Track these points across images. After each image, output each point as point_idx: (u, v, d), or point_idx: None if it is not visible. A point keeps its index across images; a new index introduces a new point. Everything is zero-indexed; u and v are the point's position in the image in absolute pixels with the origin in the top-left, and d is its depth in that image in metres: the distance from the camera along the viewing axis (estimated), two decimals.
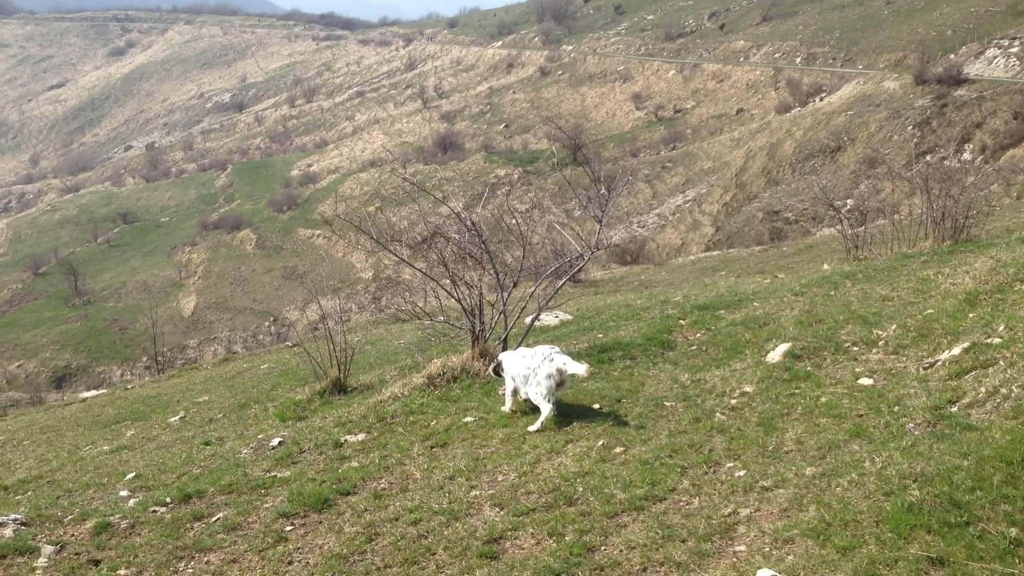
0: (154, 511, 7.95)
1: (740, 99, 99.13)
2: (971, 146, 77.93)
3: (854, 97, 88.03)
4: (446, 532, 6.10)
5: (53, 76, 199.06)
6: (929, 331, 8.67)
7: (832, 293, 11.96)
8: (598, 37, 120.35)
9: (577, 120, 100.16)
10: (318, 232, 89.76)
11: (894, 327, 9.06)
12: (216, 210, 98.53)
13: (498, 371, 9.60)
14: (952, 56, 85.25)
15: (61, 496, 9.72)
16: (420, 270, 11.68)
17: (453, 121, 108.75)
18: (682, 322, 12.01)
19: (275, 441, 9.73)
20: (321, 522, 6.92)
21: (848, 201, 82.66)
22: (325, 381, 13.17)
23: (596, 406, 8.71)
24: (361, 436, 9.19)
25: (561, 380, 8.53)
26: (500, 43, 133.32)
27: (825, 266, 17.16)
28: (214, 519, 7.46)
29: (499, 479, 7.06)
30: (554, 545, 5.66)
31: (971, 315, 8.79)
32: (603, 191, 11.86)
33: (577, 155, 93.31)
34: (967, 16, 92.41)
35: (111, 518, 7.86)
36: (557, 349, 8.75)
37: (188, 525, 7.42)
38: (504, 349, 11.12)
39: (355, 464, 8.27)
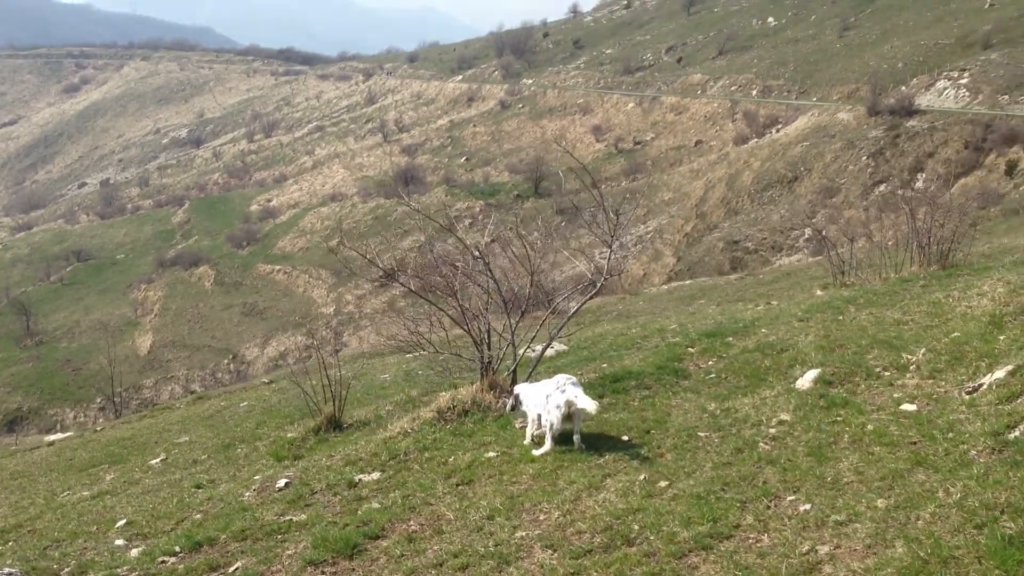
0: (163, 562, 7.45)
1: (699, 131, 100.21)
2: (924, 175, 79.35)
3: (809, 128, 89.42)
4: None
5: (5, 113, 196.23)
6: (962, 355, 8.47)
7: (840, 318, 11.76)
8: (558, 71, 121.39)
9: (538, 152, 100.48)
10: (278, 267, 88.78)
11: (923, 351, 8.86)
12: (173, 247, 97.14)
13: (516, 406, 9.25)
14: (903, 88, 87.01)
15: (49, 547, 9.14)
16: (430, 300, 11.29)
17: (414, 154, 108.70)
18: (691, 350, 11.73)
19: (281, 482, 9.25)
20: (354, 570, 6.48)
21: (806, 230, 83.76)
22: (319, 418, 12.70)
23: (625, 437, 8.37)
24: (376, 475, 8.76)
25: (569, 413, 8.24)
26: (460, 77, 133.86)
27: (819, 292, 17.04)
28: (232, 569, 6.99)
29: (541, 518, 6.68)
30: None
31: (1001, 338, 8.62)
32: (612, 216, 11.57)
33: (539, 187, 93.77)
34: (917, 49, 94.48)
35: (117, 571, 7.34)
36: (574, 380, 8.44)
37: None
38: (514, 380, 10.76)
39: (376, 505, 7.84)
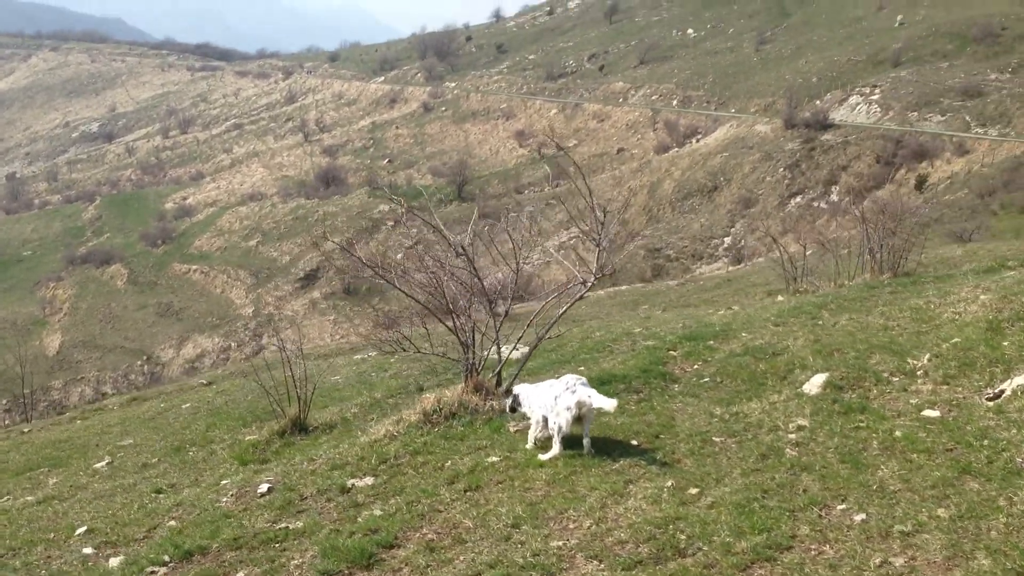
0: (153, 572, 6.91)
1: (620, 139, 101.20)
2: (838, 188, 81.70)
3: (729, 139, 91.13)
4: None
5: None
6: (970, 361, 8.46)
7: (819, 323, 11.76)
8: (481, 75, 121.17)
9: (461, 156, 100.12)
10: (195, 267, 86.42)
11: (927, 357, 8.83)
12: (84, 244, 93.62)
13: (515, 407, 8.92)
14: (818, 102, 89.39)
15: (4, 555, 8.48)
16: (419, 301, 10.85)
17: (335, 155, 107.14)
18: (673, 353, 11.57)
19: (263, 487, 8.73)
20: None
21: (726, 239, 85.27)
22: (283, 420, 12.17)
23: (635, 442, 8.10)
24: (369, 480, 8.32)
25: (580, 414, 7.94)
26: (382, 78, 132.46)
27: (780, 297, 17.14)
28: None
29: (571, 526, 6.36)
30: None
31: (1005, 344, 8.65)
32: (600, 214, 11.34)
33: (462, 191, 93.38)
34: (831, 65, 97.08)
35: None
36: (583, 380, 8.14)
37: None
38: (499, 382, 10.44)
39: (378, 512, 7.41)
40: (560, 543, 6.04)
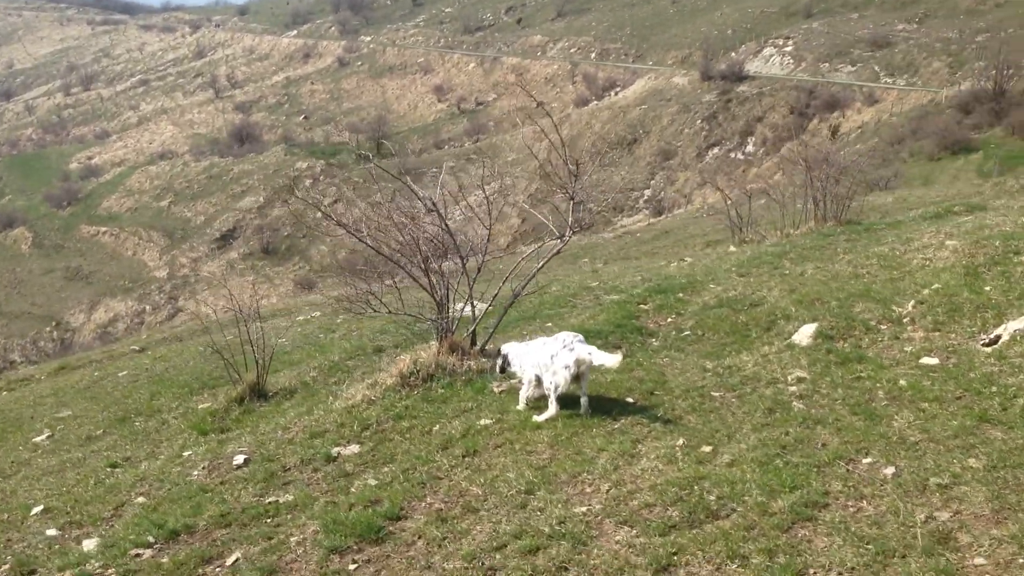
0: (138, 555, 6.47)
1: (540, 92, 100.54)
2: (754, 139, 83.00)
3: (647, 92, 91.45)
4: (593, 562, 5.11)
5: None
6: (957, 307, 8.46)
7: (786, 272, 11.72)
8: (397, 28, 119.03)
9: (379, 112, 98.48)
10: (104, 229, 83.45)
11: (911, 304, 8.82)
12: None
13: (504, 367, 8.64)
14: (733, 54, 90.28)
15: None
16: (393, 261, 10.41)
17: (249, 112, 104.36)
18: (643, 307, 11.40)
19: (239, 458, 8.30)
20: (389, 555, 5.74)
21: (646, 192, 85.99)
22: (241, 386, 11.65)
23: (630, 399, 7.90)
24: (355, 447, 7.96)
25: (579, 372, 7.70)
26: (295, 32, 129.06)
27: (732, 247, 17.13)
28: (232, 560, 6.11)
29: (588, 491, 6.12)
30: (746, 572, 4.79)
31: (987, 289, 8.69)
32: (572, 167, 11.02)
33: (381, 147, 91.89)
34: (745, 16, 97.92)
35: (86, 567, 6.34)
36: (580, 337, 7.89)
37: (200, 571, 6.06)
38: (473, 342, 10.13)
39: (372, 482, 7.07)
40: (584, 509, 5.79)
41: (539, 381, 8.00)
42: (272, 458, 8.17)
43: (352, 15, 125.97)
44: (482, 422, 7.88)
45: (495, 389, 8.84)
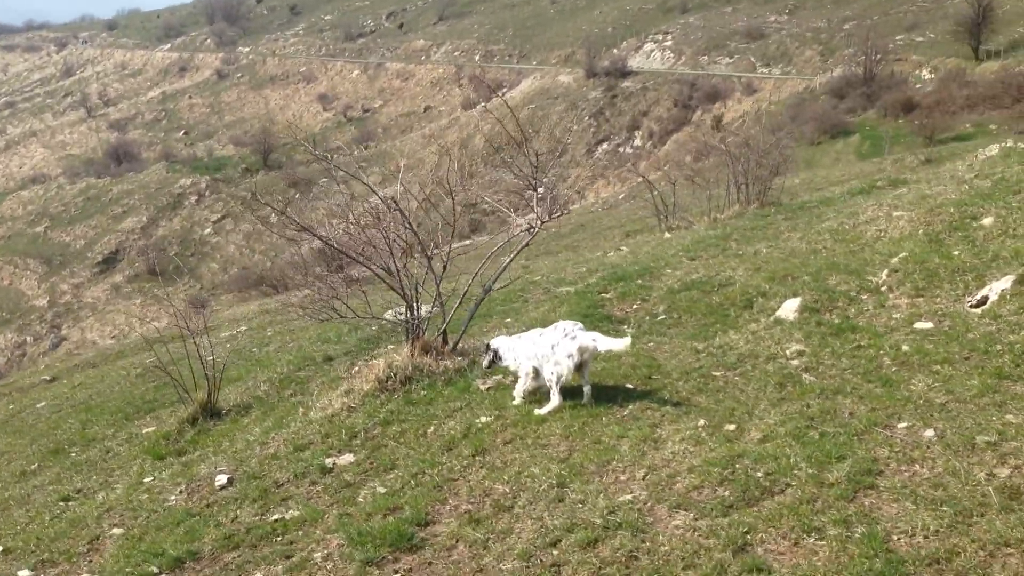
0: None
1: (426, 97, 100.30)
2: (640, 132, 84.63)
3: (534, 91, 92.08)
4: (663, 549, 4.92)
5: None
6: (932, 272, 8.60)
7: (740, 253, 11.80)
8: (276, 38, 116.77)
9: (264, 123, 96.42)
10: None
11: (885, 273, 8.94)
12: None
13: (494, 362, 8.39)
14: (615, 51, 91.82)
15: None
16: (363, 263, 10.00)
17: (125, 130, 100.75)
18: (606, 296, 11.30)
19: (221, 479, 7.84)
20: (431, 562, 5.44)
21: (540, 189, 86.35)
22: (192, 405, 11.06)
23: (629, 385, 7.76)
24: (349, 457, 7.60)
25: (582, 361, 7.51)
26: (169, 46, 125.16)
27: (667, 234, 17.23)
28: None
29: (623, 478, 5.93)
30: (826, 545, 4.69)
31: (956, 253, 8.88)
32: (533, 158, 10.83)
33: (268, 159, 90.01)
34: (624, 14, 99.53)
35: None
36: (580, 325, 7.69)
37: None
38: (444, 340, 9.84)
39: (380, 489, 6.74)
40: (629, 496, 5.60)
41: (537, 373, 7.78)
42: (258, 475, 7.74)
43: (228, 26, 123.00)
44: (481, 420, 7.62)
45: (481, 387, 8.59)
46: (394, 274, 9.59)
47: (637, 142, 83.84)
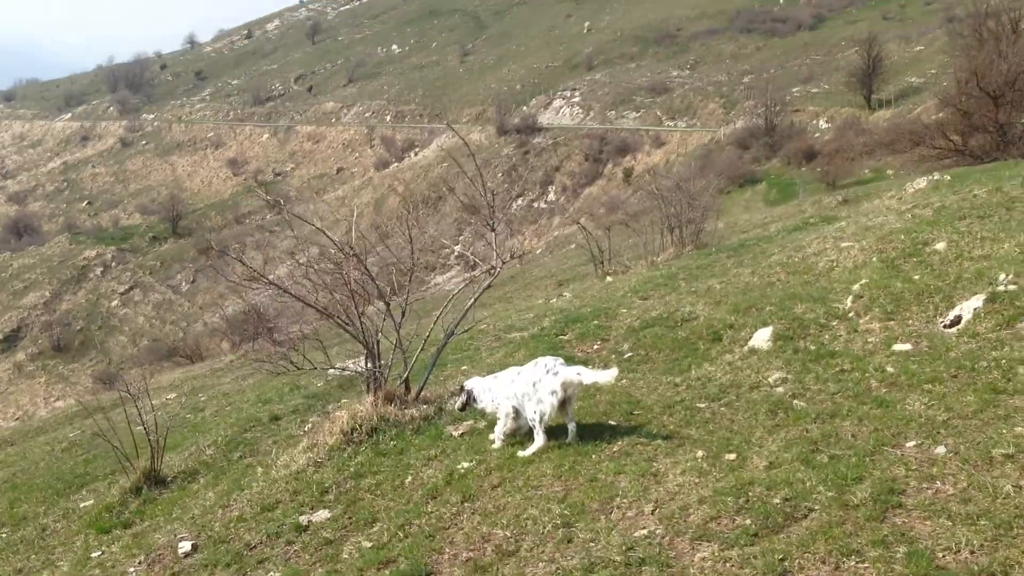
0: None
1: (338, 158, 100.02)
2: (554, 187, 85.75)
3: (446, 150, 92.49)
4: None
5: None
6: (897, 297, 8.63)
7: (693, 289, 11.77)
8: (182, 104, 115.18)
9: (171, 191, 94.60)
10: None
11: (849, 300, 8.96)
12: None
13: (468, 404, 8.07)
14: (525, 108, 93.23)
15: None
16: (320, 310, 9.60)
17: (24, 202, 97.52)
18: (564, 338, 11.12)
19: (185, 546, 7.33)
20: None
21: (456, 248, 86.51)
22: (135, 474, 10.42)
23: (612, 422, 7.54)
24: (324, 513, 7.17)
25: (566, 397, 7.27)
26: (70, 115, 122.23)
27: (608, 278, 17.18)
28: None
29: (630, 514, 5.67)
30: (871, 567, 4.49)
31: (917, 277, 8.97)
32: (489, 196, 10.66)
33: (177, 227, 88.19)
34: (532, 72, 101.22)
35: None
36: (561, 360, 7.45)
37: None
38: (407, 389, 9.49)
39: (366, 544, 6.35)
40: (643, 532, 5.34)
41: (517, 413, 7.51)
42: (225, 539, 7.25)
43: (131, 93, 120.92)
44: (462, 466, 7.29)
45: (453, 433, 8.27)
46: (353, 322, 9.25)
47: (551, 196, 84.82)
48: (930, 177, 17.52)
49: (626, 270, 18.66)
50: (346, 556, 6.28)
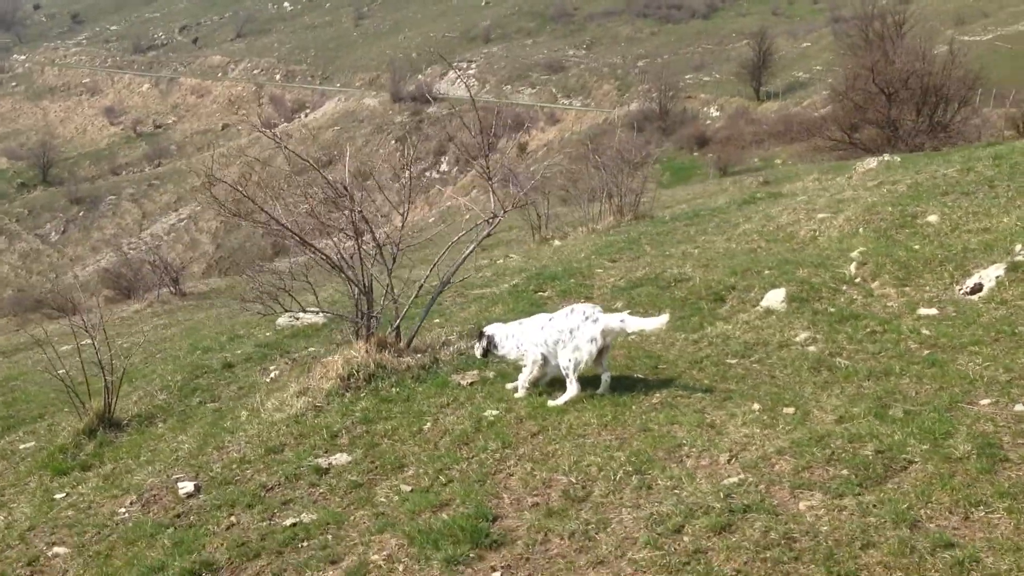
0: None
1: (224, 114, 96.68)
2: (447, 158, 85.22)
3: (338, 113, 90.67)
4: (823, 530, 4.43)
5: None
6: (904, 264, 8.71)
7: (668, 252, 11.68)
8: (56, 47, 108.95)
9: (42, 136, 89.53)
10: None
11: (852, 267, 8.99)
12: None
13: (489, 351, 7.69)
14: (420, 76, 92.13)
15: None
16: (318, 250, 9.04)
17: None
18: (543, 294, 10.86)
19: (187, 486, 6.79)
20: (527, 557, 4.75)
21: (344, 212, 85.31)
22: (88, 415, 9.67)
23: (638, 375, 7.34)
24: (343, 456, 6.72)
25: (604, 346, 6.99)
26: None
27: (556, 243, 16.96)
28: None
29: (703, 463, 5.45)
30: (1005, 518, 4.37)
31: (916, 247, 9.07)
32: (486, 149, 10.23)
33: (47, 174, 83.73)
34: (428, 40, 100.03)
35: None
36: (600, 307, 7.14)
37: None
38: (398, 336, 9.05)
39: (404, 487, 5.97)
40: (734, 479, 5.13)
41: (545, 361, 7.20)
42: (231, 481, 6.76)
43: (2, 33, 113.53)
44: (489, 413, 6.94)
45: (461, 382, 7.90)
46: (348, 262, 8.78)
47: (444, 167, 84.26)
48: (880, 158, 18.01)
49: (565, 236, 18.54)
50: (383, 499, 5.89)
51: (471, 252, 9.64)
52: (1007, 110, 40.99)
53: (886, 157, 18.12)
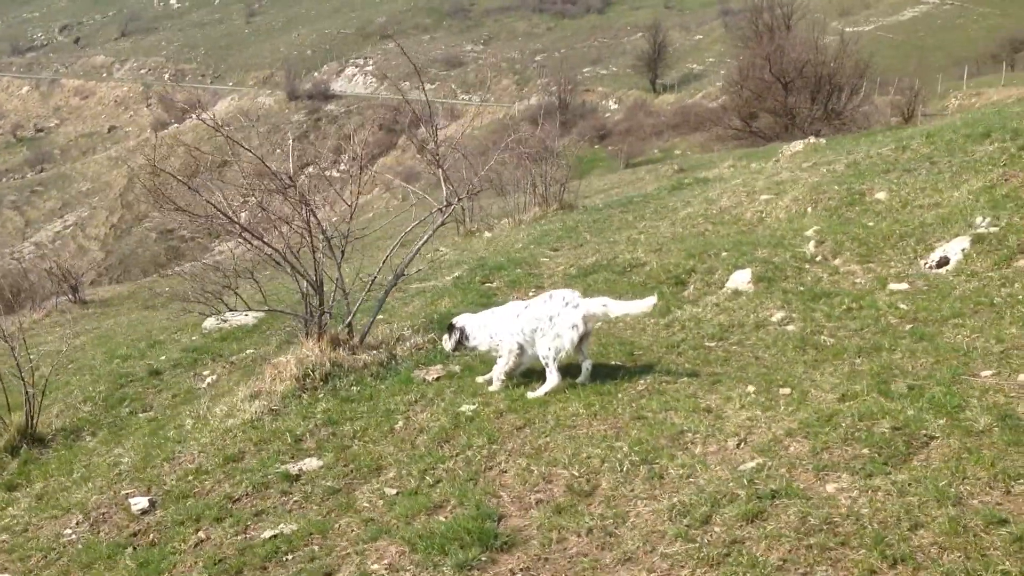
0: None
1: (110, 116, 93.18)
2: (347, 156, 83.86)
3: (232, 112, 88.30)
4: (864, 512, 4.18)
5: None
6: (863, 241, 8.65)
7: (614, 240, 11.46)
8: None
9: None
10: None
11: (811, 245, 8.90)
12: None
13: (461, 343, 7.29)
14: (316, 74, 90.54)
15: None
16: (269, 244, 8.46)
17: None
18: (490, 285, 10.51)
19: (140, 502, 6.23)
20: (544, 558, 4.41)
21: (243, 215, 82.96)
22: (8, 432, 8.94)
23: (615, 363, 7.05)
24: (314, 461, 6.25)
25: (586, 332, 6.69)
26: None
27: (487, 233, 16.60)
28: None
29: (711, 449, 5.19)
30: None
31: (871, 224, 9.03)
32: (432, 129, 9.81)
33: None
34: (323, 37, 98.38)
35: None
36: (578, 293, 6.82)
37: None
38: (350, 332, 8.58)
39: (389, 491, 5.57)
40: (752, 464, 4.89)
41: (522, 350, 6.85)
42: (189, 494, 6.23)
43: None
44: (465, 409, 6.57)
45: (426, 378, 7.50)
46: (299, 259, 8.28)
47: (343, 166, 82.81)
48: (807, 141, 18.22)
49: (491, 228, 18.25)
50: (367, 504, 5.48)
51: (425, 242, 9.20)
52: (892, 98, 42.36)
53: (812, 140, 18.38)
